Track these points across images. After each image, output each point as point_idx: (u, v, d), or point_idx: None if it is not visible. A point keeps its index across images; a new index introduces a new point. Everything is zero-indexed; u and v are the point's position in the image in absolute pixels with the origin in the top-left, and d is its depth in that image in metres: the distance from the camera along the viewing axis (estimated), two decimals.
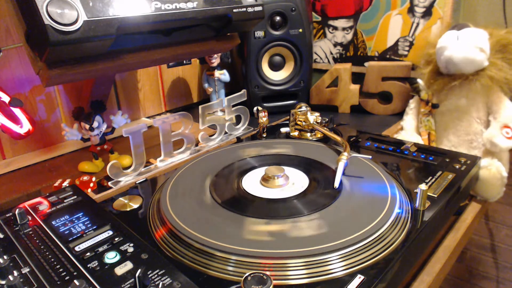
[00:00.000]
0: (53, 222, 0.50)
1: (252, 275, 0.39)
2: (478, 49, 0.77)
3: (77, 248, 0.45)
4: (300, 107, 0.84)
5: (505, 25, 0.92)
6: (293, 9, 1.02)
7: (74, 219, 0.51)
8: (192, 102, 1.24)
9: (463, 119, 0.84)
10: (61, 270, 0.41)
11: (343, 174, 0.61)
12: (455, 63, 0.79)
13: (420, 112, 0.90)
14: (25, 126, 0.74)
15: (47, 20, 0.49)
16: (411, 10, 1.01)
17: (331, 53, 1.20)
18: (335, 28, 1.16)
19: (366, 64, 1.08)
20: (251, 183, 0.62)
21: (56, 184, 0.69)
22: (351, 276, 0.42)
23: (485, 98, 0.81)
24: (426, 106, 0.88)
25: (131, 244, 0.45)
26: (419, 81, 0.89)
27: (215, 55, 1.04)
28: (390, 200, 0.54)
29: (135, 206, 0.60)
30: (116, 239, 0.46)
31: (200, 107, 0.77)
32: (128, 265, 0.41)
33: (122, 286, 0.39)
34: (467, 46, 0.78)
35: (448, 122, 0.86)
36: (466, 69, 0.79)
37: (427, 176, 0.64)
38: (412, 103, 0.93)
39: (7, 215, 0.52)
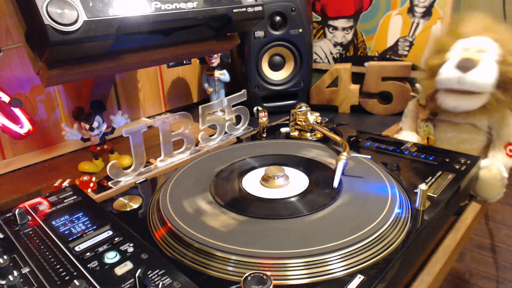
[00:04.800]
0: (53, 222, 0.50)
1: (252, 275, 0.39)
2: (479, 96, 0.74)
3: (77, 248, 0.45)
4: (300, 107, 0.84)
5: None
6: (293, 9, 1.02)
7: (74, 219, 0.51)
8: (192, 102, 1.25)
9: (463, 126, 0.82)
10: (61, 270, 0.41)
11: (343, 174, 0.61)
12: (453, 109, 0.77)
13: (419, 117, 0.88)
14: (25, 126, 0.74)
15: (47, 20, 0.49)
16: (411, 10, 1.01)
17: (331, 53, 1.20)
18: (335, 28, 1.16)
19: (366, 64, 1.08)
20: (251, 183, 0.62)
21: (56, 184, 0.69)
22: (351, 276, 0.42)
23: (486, 114, 0.78)
24: (425, 113, 0.86)
25: (131, 244, 0.45)
26: (418, 86, 0.87)
27: (215, 55, 1.04)
28: (390, 200, 0.54)
29: (135, 206, 0.60)
30: (116, 239, 0.46)
31: (200, 107, 0.77)
32: (128, 265, 0.41)
33: (122, 286, 0.39)
34: (467, 95, 0.74)
35: (447, 127, 0.85)
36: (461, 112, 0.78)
37: (427, 176, 0.64)
38: (411, 107, 0.91)
39: (7, 215, 0.52)
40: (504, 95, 0.74)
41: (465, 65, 0.73)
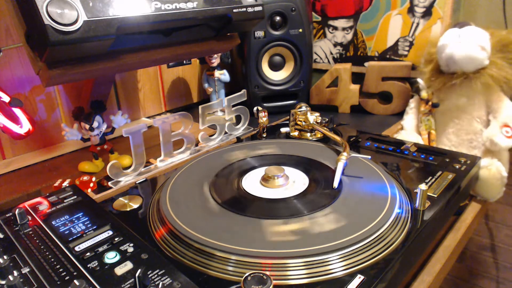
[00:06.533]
0: (53, 222, 0.50)
1: (252, 275, 0.39)
2: (479, 47, 0.78)
3: (77, 248, 0.45)
4: (300, 107, 0.84)
5: (505, 25, 0.91)
6: (293, 9, 1.02)
7: (74, 219, 0.51)
8: (192, 102, 1.24)
9: (463, 118, 0.84)
10: (61, 270, 0.41)
11: (343, 174, 0.61)
12: (456, 60, 0.80)
13: (420, 112, 0.90)
14: (25, 126, 0.74)
15: (47, 20, 0.49)
16: (411, 10, 1.01)
17: (331, 53, 1.20)
18: (335, 28, 1.16)
19: (366, 64, 1.08)
20: (251, 183, 0.62)
21: (56, 184, 0.69)
22: (351, 276, 0.42)
23: (485, 97, 0.82)
24: (426, 106, 0.88)
25: (131, 244, 0.45)
26: (419, 80, 0.90)
27: (215, 55, 1.04)
28: (390, 200, 0.54)
29: (135, 206, 0.60)
30: (116, 239, 0.46)
31: (200, 107, 0.77)
32: (128, 265, 0.41)
33: (122, 286, 0.39)
34: (468, 44, 0.78)
35: (448, 121, 0.86)
36: (467, 67, 0.79)
37: (427, 176, 0.64)
38: (412, 103, 0.93)
39: (7, 215, 0.52)
40: (504, 60, 0.78)
41: (461, 23, 0.83)
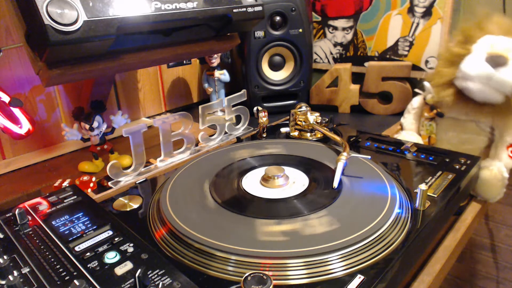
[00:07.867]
0: (53, 222, 0.50)
1: (252, 275, 0.39)
2: (503, 95, 0.73)
3: (77, 248, 0.45)
4: (300, 107, 0.84)
5: None
6: (293, 9, 1.02)
7: (74, 219, 0.51)
8: (192, 102, 1.25)
9: (466, 125, 0.82)
10: (61, 270, 0.41)
11: (343, 174, 0.61)
12: (474, 96, 0.75)
13: (423, 116, 0.88)
14: (25, 126, 0.74)
15: (47, 20, 0.49)
16: (411, 10, 1.01)
17: (331, 53, 1.20)
18: (335, 28, 1.16)
19: (366, 64, 1.08)
20: (251, 183, 0.62)
21: (56, 184, 0.69)
22: (351, 276, 0.42)
23: (491, 113, 0.78)
24: (431, 112, 0.85)
25: (131, 244, 0.45)
26: (426, 84, 0.86)
27: (215, 55, 1.04)
28: (390, 200, 0.54)
29: (135, 206, 0.60)
30: (116, 239, 0.46)
31: (200, 107, 0.77)
32: (128, 265, 0.41)
33: (122, 286, 0.39)
34: (495, 91, 0.72)
35: (450, 126, 0.84)
36: (481, 100, 0.76)
37: (427, 176, 0.64)
38: (415, 104, 0.90)
39: (7, 215, 0.52)
40: None
41: (497, 61, 0.71)
